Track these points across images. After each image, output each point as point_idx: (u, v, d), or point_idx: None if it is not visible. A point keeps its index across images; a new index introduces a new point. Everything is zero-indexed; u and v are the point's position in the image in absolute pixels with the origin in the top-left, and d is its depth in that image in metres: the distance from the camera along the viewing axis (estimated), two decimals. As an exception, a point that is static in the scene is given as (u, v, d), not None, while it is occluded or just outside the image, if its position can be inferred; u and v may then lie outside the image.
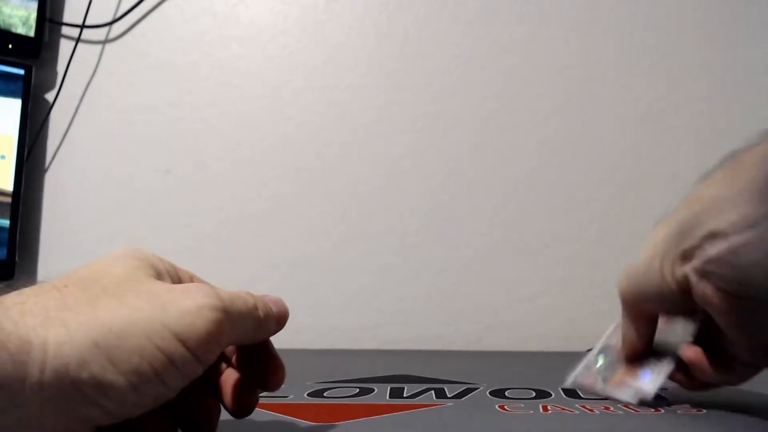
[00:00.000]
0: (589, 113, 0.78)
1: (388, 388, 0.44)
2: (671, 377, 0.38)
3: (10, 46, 0.71)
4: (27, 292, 0.22)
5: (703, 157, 0.76)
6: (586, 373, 0.42)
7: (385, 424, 0.34)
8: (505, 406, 0.38)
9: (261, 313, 0.27)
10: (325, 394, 0.42)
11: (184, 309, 0.23)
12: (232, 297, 0.26)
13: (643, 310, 0.38)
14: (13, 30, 0.71)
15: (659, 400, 0.39)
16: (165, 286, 0.25)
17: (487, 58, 0.78)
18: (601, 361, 0.42)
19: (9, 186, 0.70)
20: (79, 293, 0.22)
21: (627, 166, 0.77)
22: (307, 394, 0.42)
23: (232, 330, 0.25)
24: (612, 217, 0.77)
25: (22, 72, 0.71)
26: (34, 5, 0.72)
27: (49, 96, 0.76)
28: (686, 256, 0.33)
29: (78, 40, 0.76)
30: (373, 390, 0.43)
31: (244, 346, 0.30)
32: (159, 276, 0.26)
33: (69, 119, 0.77)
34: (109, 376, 0.21)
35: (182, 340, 0.22)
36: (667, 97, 0.78)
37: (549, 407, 0.38)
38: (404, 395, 0.41)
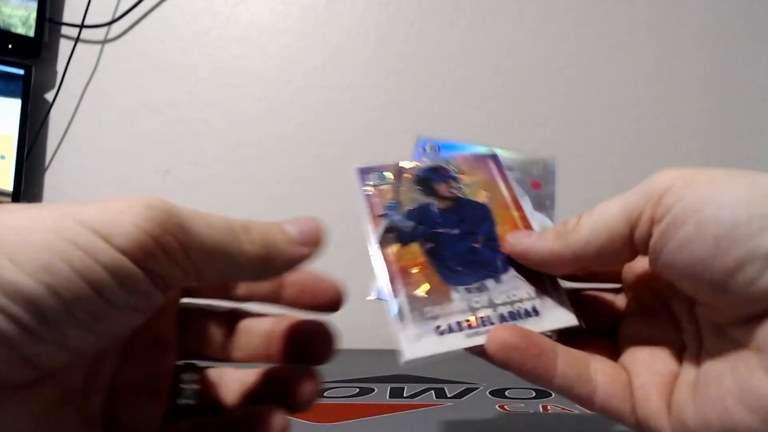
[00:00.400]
0: (589, 113, 0.78)
1: (388, 388, 0.44)
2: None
3: (9, 46, 0.71)
4: None
5: (703, 157, 0.77)
6: None
7: (385, 424, 0.34)
8: (505, 406, 0.38)
9: (254, 236, 0.22)
10: (325, 394, 0.42)
11: (109, 206, 0.18)
12: (200, 211, 0.21)
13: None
14: (13, 30, 0.71)
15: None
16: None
17: (487, 58, 0.78)
18: None
19: (9, 186, 0.70)
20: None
21: (627, 166, 0.77)
22: (307, 394, 0.42)
23: (187, 237, 0.19)
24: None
25: (21, 72, 0.71)
26: (34, 5, 0.72)
27: (49, 96, 0.76)
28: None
29: (77, 39, 0.76)
30: (373, 390, 0.43)
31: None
32: None
33: (69, 119, 0.77)
34: (10, 275, 0.16)
35: (104, 237, 0.17)
36: (667, 97, 0.78)
37: (549, 407, 0.38)
38: (404, 395, 0.41)
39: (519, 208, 0.28)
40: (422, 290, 0.25)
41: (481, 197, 0.28)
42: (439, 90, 0.78)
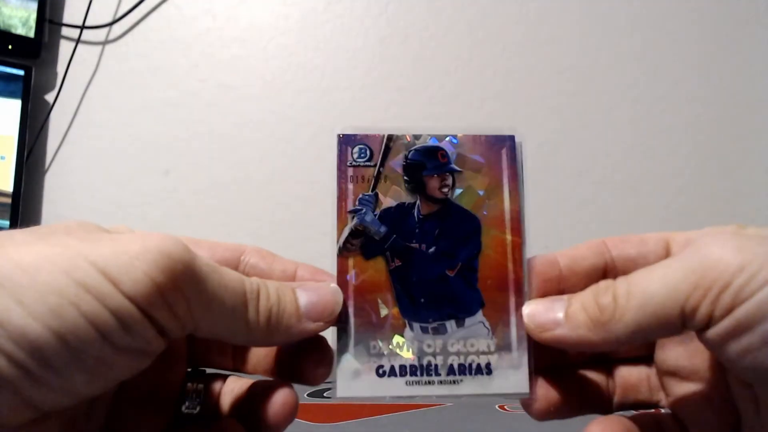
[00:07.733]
0: (588, 113, 0.78)
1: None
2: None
3: (9, 47, 0.71)
4: None
5: (703, 157, 0.77)
6: None
7: (385, 424, 0.34)
8: (505, 406, 0.38)
9: (262, 304, 0.21)
10: (325, 394, 0.42)
11: (123, 248, 0.17)
12: (218, 266, 0.20)
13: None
14: (13, 31, 0.71)
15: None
16: (116, 234, 0.19)
17: (487, 58, 0.78)
18: None
19: (9, 186, 0.70)
20: (3, 236, 0.18)
21: (627, 166, 0.77)
22: (307, 394, 0.42)
23: (196, 294, 0.18)
24: (612, 217, 0.77)
25: (22, 73, 0.71)
26: (34, 6, 0.72)
27: (49, 97, 0.76)
28: None
29: (78, 41, 0.76)
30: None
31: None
32: None
33: (69, 120, 0.77)
34: (17, 319, 0.16)
35: (114, 282, 0.17)
36: (667, 97, 0.78)
37: (549, 407, 0.38)
38: (404, 395, 0.42)
39: (516, 231, 0.23)
40: (374, 321, 0.22)
41: (478, 206, 0.23)
42: (439, 90, 0.78)
